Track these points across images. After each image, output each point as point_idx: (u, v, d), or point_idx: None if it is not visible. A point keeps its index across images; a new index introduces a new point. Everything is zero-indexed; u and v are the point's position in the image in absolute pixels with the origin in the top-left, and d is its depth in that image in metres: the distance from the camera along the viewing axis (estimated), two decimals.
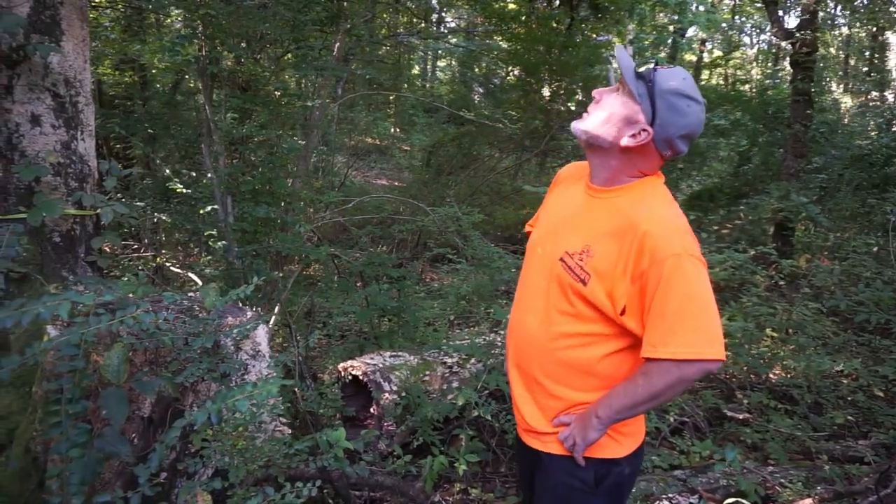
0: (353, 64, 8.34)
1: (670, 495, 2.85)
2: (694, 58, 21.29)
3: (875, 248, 5.89)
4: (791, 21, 19.28)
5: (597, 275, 1.40)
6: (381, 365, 3.47)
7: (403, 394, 3.30)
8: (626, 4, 11.30)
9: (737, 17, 22.14)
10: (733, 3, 21.41)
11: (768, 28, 19.98)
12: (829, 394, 3.93)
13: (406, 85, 16.38)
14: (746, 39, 25.08)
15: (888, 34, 17.31)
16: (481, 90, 15.06)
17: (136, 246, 5.32)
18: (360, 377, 3.37)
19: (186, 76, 7.61)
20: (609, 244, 1.41)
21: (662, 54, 19.25)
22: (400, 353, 3.72)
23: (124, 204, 2.68)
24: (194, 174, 5.65)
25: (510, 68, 13.06)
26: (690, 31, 19.99)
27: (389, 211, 7.34)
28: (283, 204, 4.36)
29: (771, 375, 4.36)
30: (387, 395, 3.29)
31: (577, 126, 1.50)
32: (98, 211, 2.59)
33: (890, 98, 14.87)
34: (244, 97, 4.48)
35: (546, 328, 1.50)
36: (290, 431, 2.45)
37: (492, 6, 11.12)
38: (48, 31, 2.54)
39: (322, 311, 5.19)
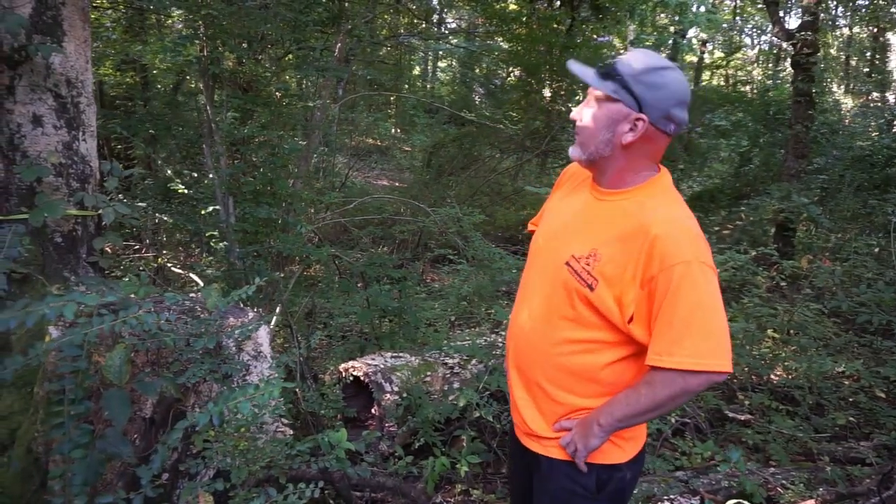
0: (354, 65, 8.35)
1: (672, 496, 2.85)
2: (695, 58, 21.29)
3: (876, 249, 5.89)
4: (792, 22, 19.27)
5: (605, 280, 1.37)
6: (382, 366, 3.47)
7: (405, 394, 3.30)
8: (626, 5, 11.30)
9: (738, 18, 22.13)
10: (734, 3, 21.41)
11: (769, 29, 19.98)
12: (831, 395, 3.93)
13: (407, 85, 16.38)
14: (747, 40, 25.09)
15: (889, 35, 17.31)
16: (482, 91, 15.07)
17: (137, 246, 5.32)
18: (362, 378, 3.37)
19: (187, 77, 7.61)
20: (617, 248, 1.37)
21: (663, 55, 19.24)
22: (401, 354, 3.72)
23: (126, 204, 2.67)
24: (196, 175, 5.65)
25: (511, 69, 13.08)
26: (691, 32, 19.99)
27: (390, 212, 7.34)
28: (284, 205, 4.36)
29: (772, 376, 4.35)
30: (388, 395, 3.29)
31: (575, 152, 1.47)
32: (100, 211, 2.59)
33: (891, 99, 14.86)
34: (245, 98, 4.48)
35: (548, 333, 1.47)
36: (291, 432, 2.44)
37: (493, 7, 11.13)
38: (50, 31, 2.54)
39: (323, 311, 5.19)
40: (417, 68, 20.38)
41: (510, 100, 12.07)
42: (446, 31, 16.31)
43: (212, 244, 4.30)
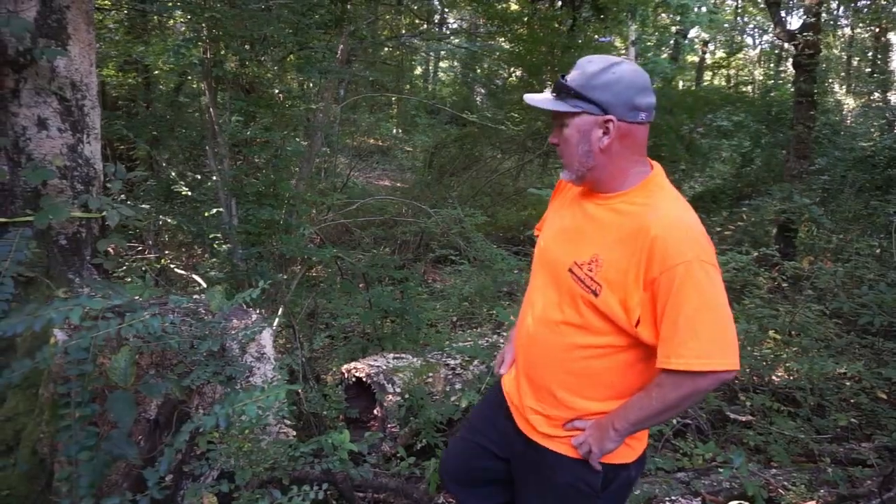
0: (356, 65, 8.36)
1: (673, 497, 2.86)
2: (696, 59, 21.28)
3: (878, 250, 5.89)
4: (794, 22, 19.25)
5: (608, 284, 1.38)
6: (384, 367, 3.48)
7: (407, 395, 3.31)
8: (628, 5, 11.30)
9: (739, 18, 22.12)
10: (736, 4, 21.40)
11: (771, 29, 19.97)
12: (832, 396, 3.93)
13: (408, 86, 16.39)
14: (749, 40, 25.07)
15: (891, 35, 17.29)
16: (483, 91, 15.07)
17: (140, 248, 5.33)
18: (364, 379, 3.38)
19: (189, 78, 7.63)
20: (618, 252, 1.38)
21: (664, 55, 19.24)
22: (403, 355, 3.73)
23: (129, 206, 2.69)
24: (199, 177, 5.67)
25: (512, 69, 13.07)
26: (692, 33, 19.98)
27: (392, 212, 7.35)
28: (286, 206, 4.37)
29: (774, 377, 4.36)
30: (390, 396, 3.30)
31: (566, 175, 1.51)
32: (104, 213, 2.60)
33: (893, 99, 14.83)
34: (248, 99, 4.50)
35: (558, 340, 1.48)
36: (294, 434, 2.46)
37: (494, 7, 11.13)
38: (55, 34, 2.55)
39: (324, 312, 5.20)
40: (419, 69, 20.39)
41: (512, 100, 12.07)
42: (448, 32, 16.32)
43: (215, 246, 4.31)
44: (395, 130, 14.80)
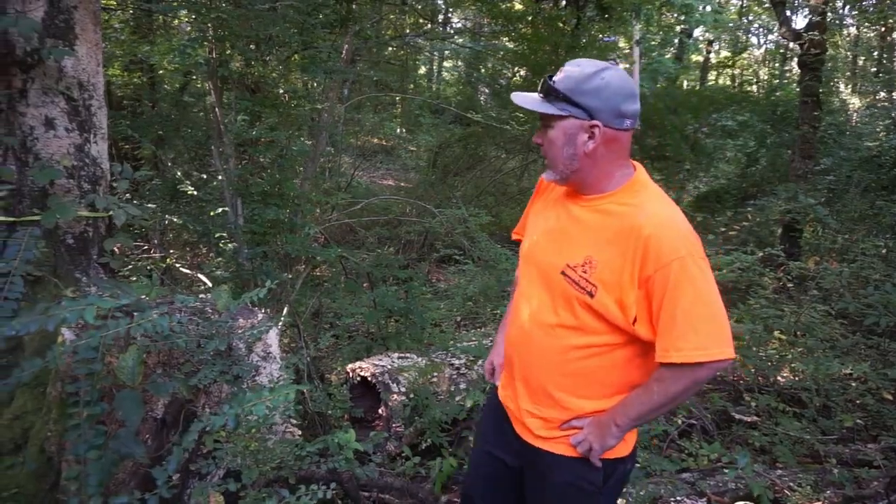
0: (360, 65, 8.36)
1: (678, 498, 2.85)
2: (700, 58, 21.23)
3: (884, 251, 5.87)
4: (799, 21, 19.20)
5: (603, 285, 1.40)
6: (389, 366, 3.49)
7: (411, 395, 3.31)
8: (632, 5, 11.27)
9: (744, 18, 22.05)
10: (741, 3, 21.33)
11: (776, 28, 19.90)
12: (838, 397, 3.92)
13: (412, 86, 16.39)
14: (754, 40, 24.98)
15: None
16: (487, 91, 15.06)
17: (145, 247, 5.35)
18: (369, 378, 3.39)
19: (194, 78, 7.64)
20: (611, 252, 1.40)
21: (669, 55, 19.21)
22: (408, 355, 3.73)
23: (135, 205, 2.70)
24: (205, 176, 5.68)
25: (517, 69, 13.05)
26: (697, 32, 19.93)
27: (396, 212, 7.36)
28: (291, 205, 4.38)
29: (779, 378, 4.35)
30: (395, 396, 3.30)
31: (549, 175, 1.52)
32: (111, 213, 2.61)
33: None
34: (254, 99, 4.51)
35: (553, 343, 1.49)
36: (300, 433, 2.46)
37: (498, 6, 11.11)
38: (62, 34, 2.56)
39: (329, 311, 5.21)
40: (423, 68, 20.38)
41: None
42: (452, 31, 16.30)
43: (220, 245, 4.32)
44: (398, 130, 14.81)
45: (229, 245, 4.22)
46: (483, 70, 15.31)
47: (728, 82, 21.02)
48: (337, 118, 6.20)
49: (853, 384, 4.16)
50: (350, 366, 3.56)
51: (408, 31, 13.36)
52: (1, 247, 2.14)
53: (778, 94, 11.23)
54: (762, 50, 24.07)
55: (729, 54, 21.66)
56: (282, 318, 3.67)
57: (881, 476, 3.08)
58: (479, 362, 3.70)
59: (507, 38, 12.18)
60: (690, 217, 7.99)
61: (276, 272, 3.64)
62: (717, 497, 2.89)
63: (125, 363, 1.69)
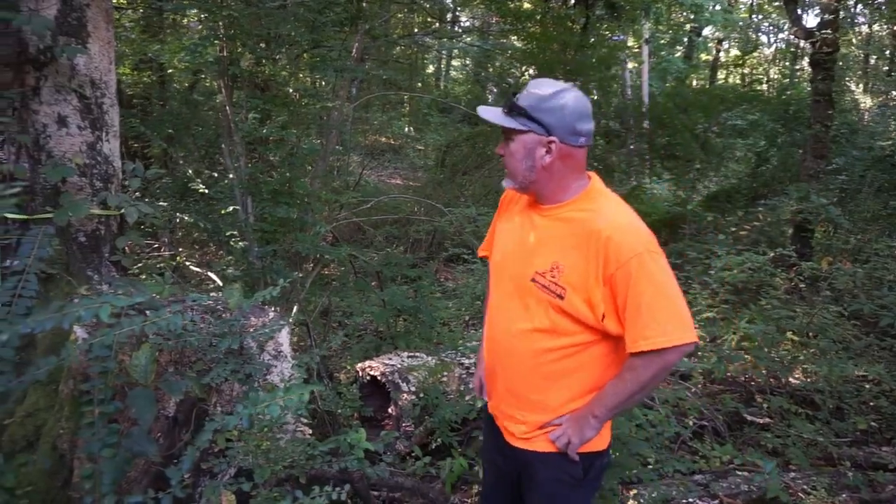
0: (368, 64, 8.35)
1: (691, 500, 2.83)
2: (710, 57, 21.11)
3: None
4: (810, 20, 19.04)
5: (572, 287, 1.51)
6: (399, 365, 3.48)
7: (421, 394, 3.30)
8: (642, 3, 11.21)
9: (754, 16, 21.90)
10: (751, 1, 21.19)
11: (786, 27, 19.74)
12: (852, 399, 3.88)
13: (420, 84, 16.38)
14: (764, 38, 24.81)
15: None
16: (496, 90, 15.03)
17: (155, 245, 5.36)
18: (379, 378, 3.38)
19: (203, 77, 7.65)
20: (575, 256, 1.52)
21: (678, 54, 19.11)
22: (417, 354, 3.72)
23: (147, 203, 2.70)
24: (215, 174, 5.69)
25: (525, 68, 13.01)
26: (707, 31, 19.82)
27: (405, 211, 7.35)
28: (299, 203, 4.38)
29: (791, 379, 4.31)
30: (405, 395, 3.30)
31: (508, 183, 1.65)
32: (122, 211, 2.61)
33: None
34: (264, 97, 4.51)
35: (531, 346, 1.59)
36: (310, 432, 2.46)
37: (507, 5, 11.07)
38: (75, 32, 2.56)
39: (337, 310, 5.21)
40: (431, 67, 20.37)
41: None
42: (460, 30, 16.28)
43: (231, 244, 4.33)
44: (406, 129, 14.80)
45: (240, 243, 4.22)
46: (491, 69, 15.27)
47: (738, 81, 20.87)
48: (346, 117, 6.20)
49: (867, 386, 4.12)
50: (360, 365, 3.55)
51: (416, 29, 13.34)
52: (15, 244, 2.15)
53: (789, 92, 11.13)
54: (772, 49, 23.91)
55: (738, 53, 21.52)
56: (291, 317, 3.66)
57: None
58: None
59: (515, 37, 12.15)
60: (700, 217, 7.95)
61: (288, 272, 3.64)
62: (729, 499, 2.87)
63: (138, 361, 1.69)
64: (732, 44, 23.26)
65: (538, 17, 10.89)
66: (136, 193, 2.77)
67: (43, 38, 2.45)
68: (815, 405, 3.88)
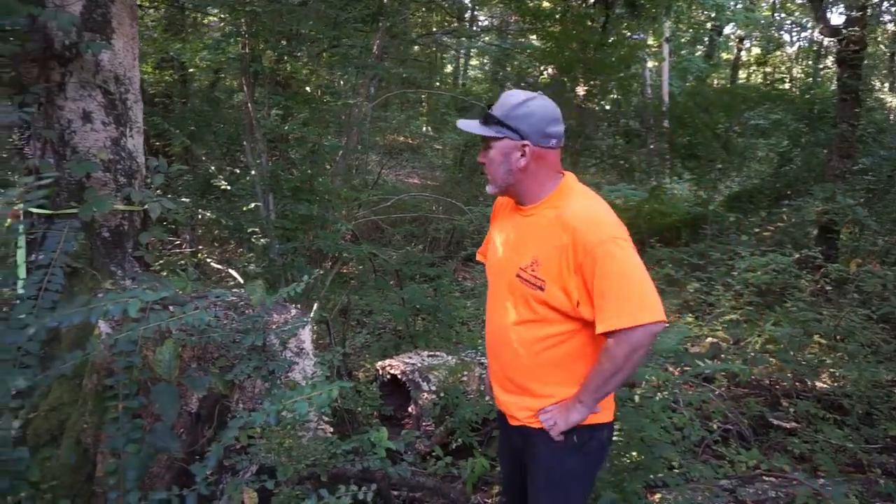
0: (387, 62, 8.34)
1: None
2: (731, 56, 20.83)
3: None
4: (834, 18, 18.71)
5: (549, 278, 1.63)
6: (419, 364, 3.45)
7: (442, 394, 3.27)
8: (662, 2, 11.08)
9: (777, 14, 21.57)
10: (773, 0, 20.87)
11: (810, 24, 19.42)
12: (882, 404, 3.78)
13: (438, 83, 16.35)
14: (786, 37, 24.42)
15: None
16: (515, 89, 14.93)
17: (177, 241, 5.39)
18: (399, 377, 3.36)
19: (223, 75, 7.69)
20: (549, 250, 1.64)
21: (699, 53, 18.88)
22: (438, 353, 3.70)
23: (170, 200, 2.70)
24: (237, 171, 5.71)
25: (544, 67, 12.92)
26: (728, 29, 19.56)
27: (425, 209, 7.32)
28: (320, 201, 4.37)
29: (818, 384, 4.21)
30: (425, 394, 3.27)
31: (490, 188, 1.78)
32: (146, 206, 2.62)
33: None
34: (286, 94, 4.50)
35: (522, 336, 1.72)
36: (331, 430, 2.44)
37: (526, 4, 11.00)
38: (99, 28, 2.57)
39: (356, 308, 5.19)
40: (449, 66, 20.33)
41: None
42: (478, 29, 16.21)
43: (252, 240, 4.33)
44: (424, 128, 14.78)
45: (261, 240, 4.23)
46: (510, 68, 15.19)
47: (760, 80, 20.57)
48: (364, 115, 6.19)
49: None
50: (380, 363, 3.53)
51: (434, 28, 13.32)
52: (40, 239, 2.16)
53: (813, 91, 10.91)
54: (795, 47, 23.53)
55: (760, 52, 21.20)
56: (311, 314, 3.65)
57: None
58: None
59: (534, 36, 12.08)
60: (723, 217, 7.82)
61: (307, 268, 3.63)
62: None
63: (162, 357, 1.68)
64: (754, 42, 22.93)
65: (557, 16, 10.80)
66: (159, 190, 2.77)
67: (68, 34, 2.46)
68: (842, 410, 3.79)
